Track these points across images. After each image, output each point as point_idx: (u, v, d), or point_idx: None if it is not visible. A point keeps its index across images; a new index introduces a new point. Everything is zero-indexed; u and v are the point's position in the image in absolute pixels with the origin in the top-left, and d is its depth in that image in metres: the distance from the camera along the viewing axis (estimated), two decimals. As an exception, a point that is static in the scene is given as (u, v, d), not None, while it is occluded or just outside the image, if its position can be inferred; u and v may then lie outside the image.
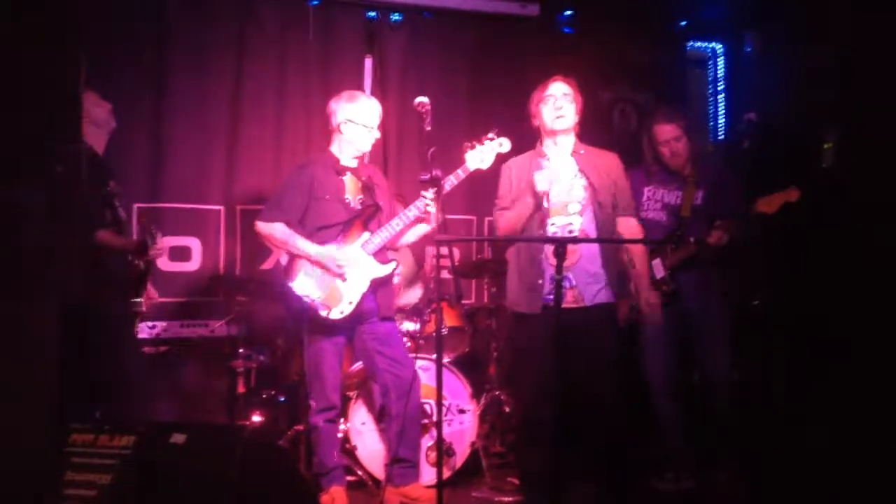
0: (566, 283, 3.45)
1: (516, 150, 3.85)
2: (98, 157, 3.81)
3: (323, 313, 3.72)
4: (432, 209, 3.67)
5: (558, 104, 3.63)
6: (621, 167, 3.77)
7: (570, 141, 3.71)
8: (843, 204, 4.41)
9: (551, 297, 3.50)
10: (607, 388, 3.54)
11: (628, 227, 3.74)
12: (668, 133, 4.09)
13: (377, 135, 3.93)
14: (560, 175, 3.61)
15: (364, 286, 3.79)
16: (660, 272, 4.03)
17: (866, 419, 4.10)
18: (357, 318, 3.80)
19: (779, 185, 3.82)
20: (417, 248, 5.09)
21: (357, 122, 3.83)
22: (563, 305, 3.18)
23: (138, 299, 3.83)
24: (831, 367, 4.44)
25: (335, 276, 3.73)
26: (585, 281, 3.56)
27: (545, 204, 3.54)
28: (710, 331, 4.02)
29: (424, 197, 3.67)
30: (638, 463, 4.23)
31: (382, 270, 3.84)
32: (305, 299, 3.72)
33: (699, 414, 4.12)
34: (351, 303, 3.76)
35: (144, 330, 4.51)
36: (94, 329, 3.60)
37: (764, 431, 4.33)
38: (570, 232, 3.56)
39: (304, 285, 3.74)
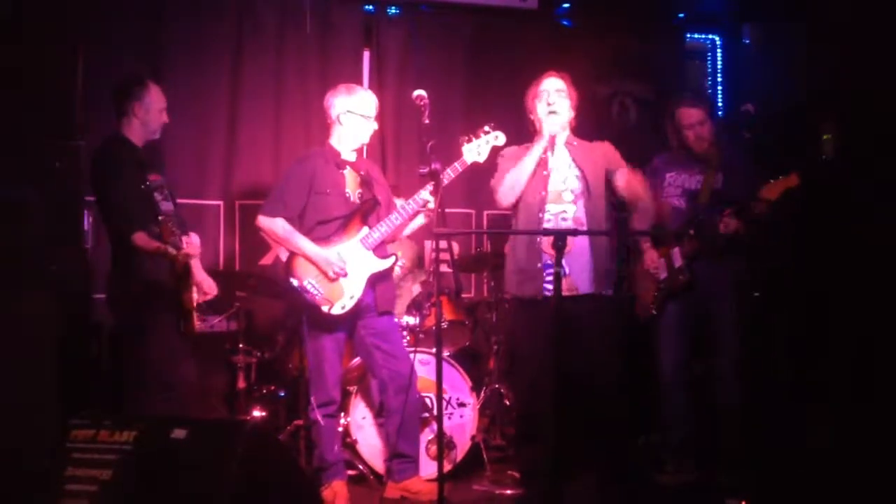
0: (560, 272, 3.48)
1: (512, 135, 3.87)
2: (136, 151, 3.71)
3: (325, 308, 3.72)
4: (429, 200, 3.70)
5: (551, 99, 3.69)
6: (612, 149, 3.82)
7: (563, 135, 3.77)
8: (843, 195, 4.41)
9: (546, 283, 3.54)
10: (605, 377, 3.55)
11: (623, 177, 3.72)
12: (693, 117, 4.09)
13: (375, 126, 3.93)
14: (555, 164, 3.66)
15: (364, 280, 3.79)
16: (678, 261, 4.04)
17: (869, 411, 4.11)
18: (357, 312, 3.81)
19: (779, 173, 3.81)
20: (419, 244, 5.10)
21: (356, 112, 3.84)
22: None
23: (192, 294, 3.70)
24: (834, 356, 4.45)
25: (330, 280, 3.73)
26: (579, 270, 3.60)
27: (550, 154, 3.62)
28: (721, 321, 4.01)
29: (422, 193, 3.73)
30: (639, 455, 4.25)
31: (381, 265, 3.84)
32: (308, 294, 3.72)
33: (706, 405, 4.12)
34: (352, 297, 3.76)
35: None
36: (128, 328, 3.60)
37: (767, 423, 4.32)
38: (564, 220, 3.62)
39: (307, 282, 3.73)
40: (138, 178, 3.57)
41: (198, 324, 3.75)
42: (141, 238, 3.52)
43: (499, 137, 3.84)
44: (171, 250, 3.47)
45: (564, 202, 3.64)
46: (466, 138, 3.81)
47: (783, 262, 4.64)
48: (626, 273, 4.40)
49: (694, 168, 4.12)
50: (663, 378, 4.11)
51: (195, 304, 3.75)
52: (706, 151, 4.09)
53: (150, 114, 3.72)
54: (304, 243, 3.75)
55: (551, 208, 3.64)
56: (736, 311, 4.02)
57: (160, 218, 3.56)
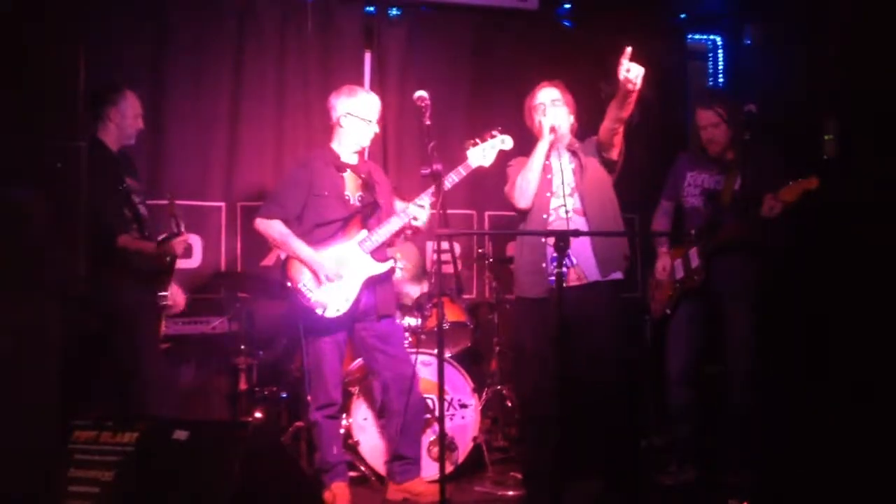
0: (567, 263, 3.49)
1: (517, 144, 3.87)
2: (113, 155, 3.79)
3: (319, 311, 3.72)
4: (422, 217, 3.71)
5: (548, 112, 3.72)
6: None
7: (566, 141, 3.80)
8: (844, 195, 4.40)
9: (552, 277, 3.55)
10: (608, 378, 3.56)
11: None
12: (705, 119, 4.08)
13: (376, 129, 3.93)
14: (558, 166, 3.70)
15: (360, 284, 3.78)
16: (695, 261, 4.04)
17: (871, 413, 4.10)
18: (354, 315, 3.80)
19: (791, 175, 3.78)
20: (422, 250, 5.10)
21: (356, 115, 3.83)
22: (567, 284, 3.21)
23: (163, 294, 3.79)
24: (836, 357, 4.44)
25: (321, 284, 3.73)
26: (585, 258, 3.63)
27: (551, 136, 3.66)
28: (734, 323, 4.00)
29: (415, 204, 3.76)
30: (642, 456, 4.24)
31: (379, 268, 3.83)
32: (302, 296, 3.72)
33: (709, 406, 4.12)
34: (347, 300, 3.75)
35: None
36: (119, 329, 3.61)
37: (770, 425, 4.31)
38: (567, 212, 3.64)
39: (302, 284, 3.73)
40: (116, 181, 3.64)
41: (163, 329, 3.84)
42: (125, 240, 3.59)
43: (506, 141, 3.85)
44: (173, 230, 3.63)
45: (562, 196, 3.67)
46: (472, 142, 3.81)
47: (786, 263, 4.63)
48: (640, 274, 4.40)
49: (713, 168, 4.10)
50: (670, 376, 4.11)
51: (169, 304, 3.83)
52: (720, 154, 4.08)
53: (126, 119, 3.81)
54: (299, 246, 3.75)
55: (553, 202, 3.69)
56: (749, 314, 4.00)
57: (167, 198, 3.66)
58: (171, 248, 3.71)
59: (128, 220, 3.67)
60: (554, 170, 3.71)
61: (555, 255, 3.06)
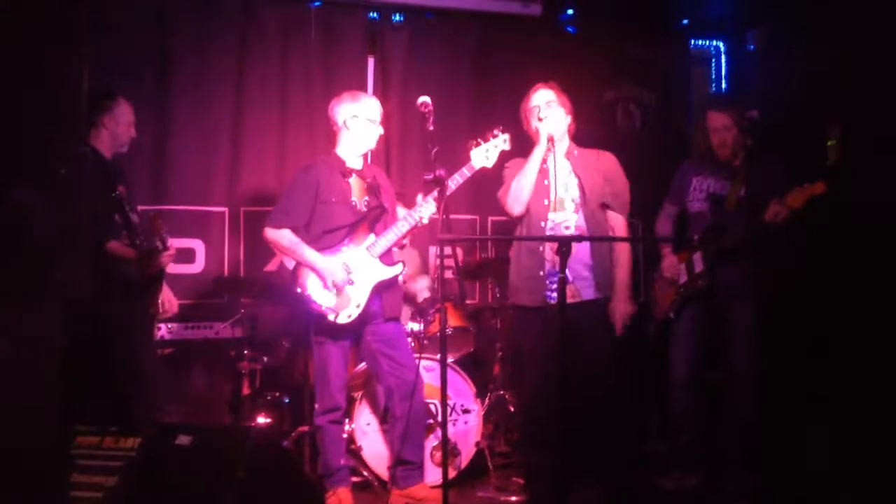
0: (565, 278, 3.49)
1: (518, 150, 3.87)
2: (106, 162, 3.82)
3: (331, 317, 3.72)
4: (426, 214, 3.72)
5: (543, 114, 3.70)
6: (617, 165, 3.81)
7: (563, 143, 3.78)
8: (846, 199, 4.40)
9: (549, 292, 3.54)
10: (605, 386, 3.55)
11: (616, 222, 3.76)
12: (718, 121, 4.06)
13: (381, 130, 3.94)
14: (557, 173, 3.67)
15: (370, 289, 3.79)
16: (699, 266, 4.04)
17: (871, 419, 4.10)
18: (363, 320, 3.81)
19: (797, 180, 3.77)
20: (422, 252, 5.10)
21: (362, 116, 3.85)
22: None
23: (154, 301, 3.82)
24: (836, 361, 4.44)
25: (331, 290, 3.73)
26: (581, 277, 3.61)
27: (552, 163, 3.64)
28: (738, 327, 3.99)
29: (420, 208, 3.75)
30: (644, 461, 4.23)
31: (388, 272, 3.84)
32: (314, 303, 3.72)
33: (711, 410, 4.11)
34: (358, 306, 3.75)
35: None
36: (111, 333, 3.62)
37: (773, 429, 4.31)
38: (567, 228, 3.63)
39: (313, 291, 3.73)
40: (109, 187, 3.66)
41: (161, 334, 3.86)
42: (115, 246, 3.61)
43: (507, 141, 3.85)
44: (158, 247, 3.63)
45: (566, 211, 3.66)
46: (475, 142, 3.81)
47: (790, 267, 4.63)
48: (643, 279, 4.40)
49: (719, 174, 4.09)
50: (673, 381, 4.10)
51: (161, 312, 3.87)
52: (729, 159, 4.08)
53: (120, 126, 3.85)
54: (310, 254, 3.75)
55: (554, 217, 3.66)
56: (753, 318, 3.99)
57: (151, 214, 3.66)
58: (159, 264, 3.74)
59: (118, 226, 3.68)
60: (552, 176, 3.69)
61: (551, 265, 3.06)
